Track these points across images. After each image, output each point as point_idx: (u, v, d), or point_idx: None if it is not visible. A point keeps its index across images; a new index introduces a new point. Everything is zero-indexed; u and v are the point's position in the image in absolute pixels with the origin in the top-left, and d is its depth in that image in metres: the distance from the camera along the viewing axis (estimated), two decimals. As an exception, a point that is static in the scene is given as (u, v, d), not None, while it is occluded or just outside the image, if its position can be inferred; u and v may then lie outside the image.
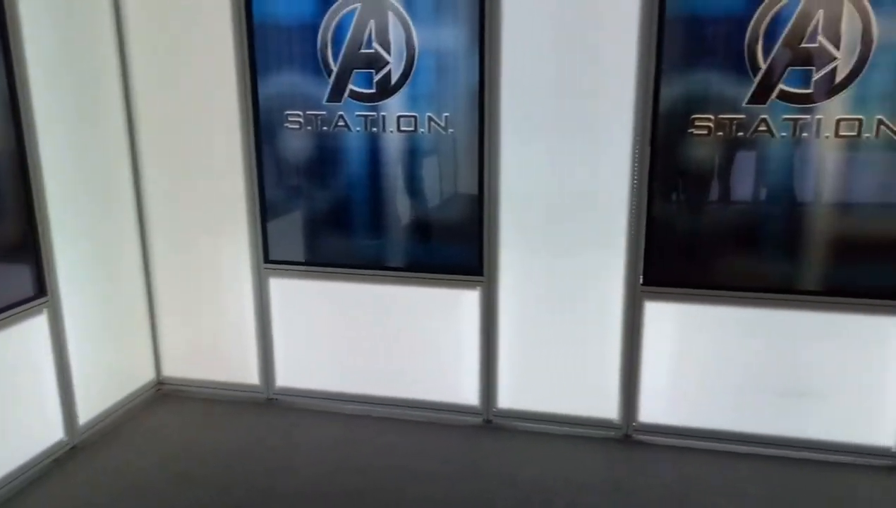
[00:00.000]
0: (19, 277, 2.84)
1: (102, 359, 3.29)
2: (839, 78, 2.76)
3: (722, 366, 3.13)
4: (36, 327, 2.88)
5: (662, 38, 2.86)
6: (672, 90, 2.93)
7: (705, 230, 3.12)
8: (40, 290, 2.88)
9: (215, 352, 3.62)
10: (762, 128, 2.86)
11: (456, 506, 2.72)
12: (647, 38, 2.86)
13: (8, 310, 2.74)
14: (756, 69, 2.81)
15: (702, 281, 3.09)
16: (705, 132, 2.93)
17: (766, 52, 2.79)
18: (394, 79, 3.14)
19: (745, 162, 3.00)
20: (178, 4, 3.26)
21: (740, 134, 2.89)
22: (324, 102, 3.20)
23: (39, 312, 2.88)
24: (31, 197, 2.82)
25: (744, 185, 3.05)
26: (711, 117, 2.90)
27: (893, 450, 3.01)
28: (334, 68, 3.16)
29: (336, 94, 3.19)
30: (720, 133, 2.91)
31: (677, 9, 2.85)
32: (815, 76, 2.77)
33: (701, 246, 3.13)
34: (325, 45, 3.15)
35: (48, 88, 2.88)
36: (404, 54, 3.11)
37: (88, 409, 3.18)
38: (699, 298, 3.07)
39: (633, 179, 3.00)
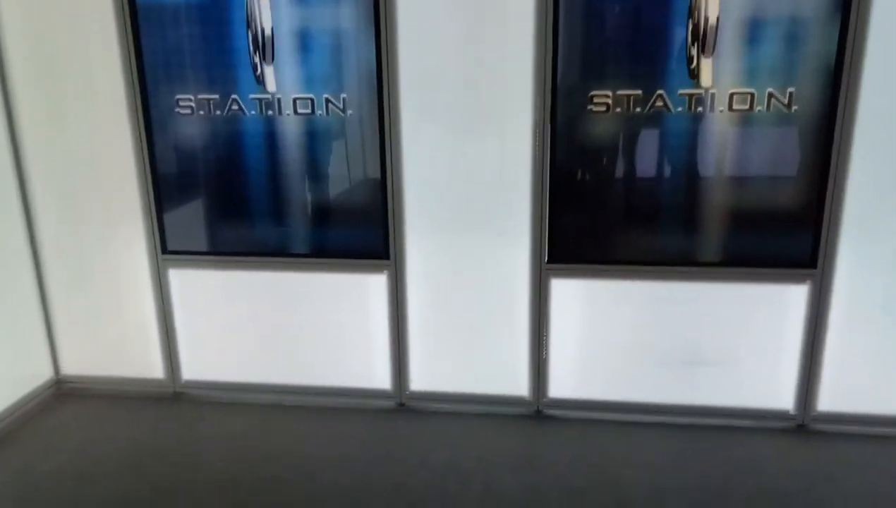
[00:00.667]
0: None
1: (-6, 359, 3.35)
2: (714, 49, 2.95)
3: (628, 339, 3.35)
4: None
5: (558, 14, 3.00)
6: (570, 67, 3.08)
7: (607, 206, 3.31)
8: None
9: (117, 347, 3.68)
10: (659, 103, 3.05)
11: (370, 491, 2.88)
12: (542, 14, 2.99)
13: None
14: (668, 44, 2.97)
15: (605, 257, 3.29)
16: (603, 109, 3.10)
17: (670, 28, 2.96)
18: (275, 57, 3.20)
19: (643, 137, 3.19)
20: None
21: (638, 109, 3.07)
22: (253, 87, 3.23)
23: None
24: None
25: (643, 161, 3.24)
26: (609, 94, 3.07)
27: (791, 413, 3.30)
28: (250, 48, 3.19)
29: (260, 78, 3.23)
30: (618, 109, 3.09)
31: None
32: (702, 49, 2.96)
33: (603, 222, 3.32)
34: (231, 26, 3.18)
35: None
36: (277, 31, 3.16)
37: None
38: (603, 274, 3.28)
39: (534, 157, 3.16)
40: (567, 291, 3.32)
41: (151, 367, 3.66)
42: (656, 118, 3.09)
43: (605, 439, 3.24)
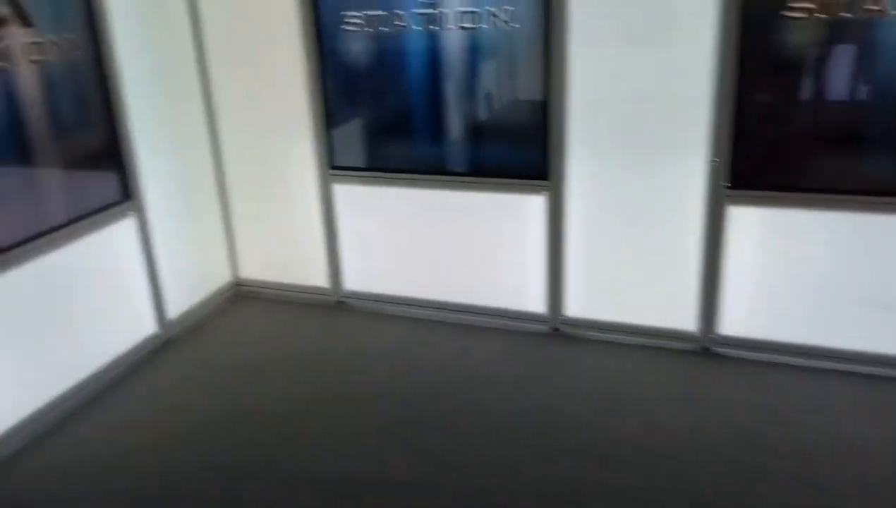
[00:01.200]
0: (106, 183, 3.30)
1: (186, 260, 3.77)
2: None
3: (813, 276, 3.11)
4: (125, 229, 3.36)
5: None
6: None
7: (800, 127, 3.04)
8: (126, 195, 3.35)
9: (287, 256, 4.04)
10: (874, 6, 2.70)
11: (525, 411, 2.97)
12: None
13: (97, 214, 3.21)
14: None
15: (793, 184, 3.04)
16: (804, 14, 2.80)
17: None
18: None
19: (848, 48, 2.86)
20: None
21: (845, 15, 2.75)
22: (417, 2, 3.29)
23: (126, 215, 3.35)
24: (111, 104, 3.22)
25: (847, 73, 2.91)
26: (813, -5, 2.77)
27: None
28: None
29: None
30: (822, 14, 2.78)
31: None
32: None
33: (794, 144, 3.05)
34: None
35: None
36: None
37: (177, 306, 3.70)
38: (790, 202, 3.04)
39: (718, 70, 2.95)
40: (748, 220, 3.12)
41: (317, 276, 3.97)
42: (867, 24, 2.74)
43: (785, 383, 3.06)
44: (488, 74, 3.41)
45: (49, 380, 3.05)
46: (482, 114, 3.49)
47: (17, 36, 2.83)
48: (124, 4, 3.24)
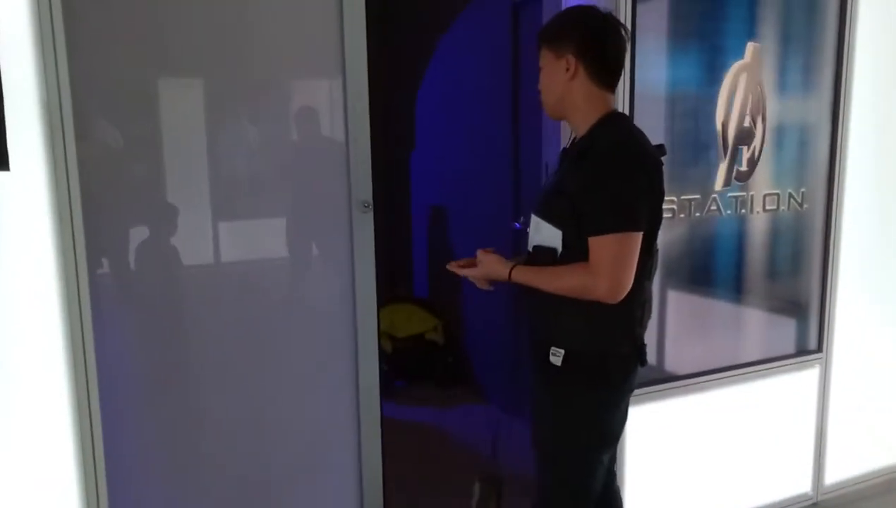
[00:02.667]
0: (798, 329, 3.47)
1: (855, 425, 3.62)
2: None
3: None
4: (806, 380, 3.45)
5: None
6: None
7: None
8: (817, 345, 3.46)
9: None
10: None
11: None
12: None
13: (785, 359, 3.38)
14: None
15: None
16: None
17: None
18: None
19: None
20: None
21: None
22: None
23: (811, 366, 3.44)
24: (825, 258, 3.41)
25: None
26: None
27: None
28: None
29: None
30: None
31: None
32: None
33: None
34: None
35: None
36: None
37: (834, 472, 3.58)
38: None
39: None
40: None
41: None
42: None
43: None
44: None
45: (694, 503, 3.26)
46: None
47: (760, 188, 3.26)
48: (862, 170, 3.42)
